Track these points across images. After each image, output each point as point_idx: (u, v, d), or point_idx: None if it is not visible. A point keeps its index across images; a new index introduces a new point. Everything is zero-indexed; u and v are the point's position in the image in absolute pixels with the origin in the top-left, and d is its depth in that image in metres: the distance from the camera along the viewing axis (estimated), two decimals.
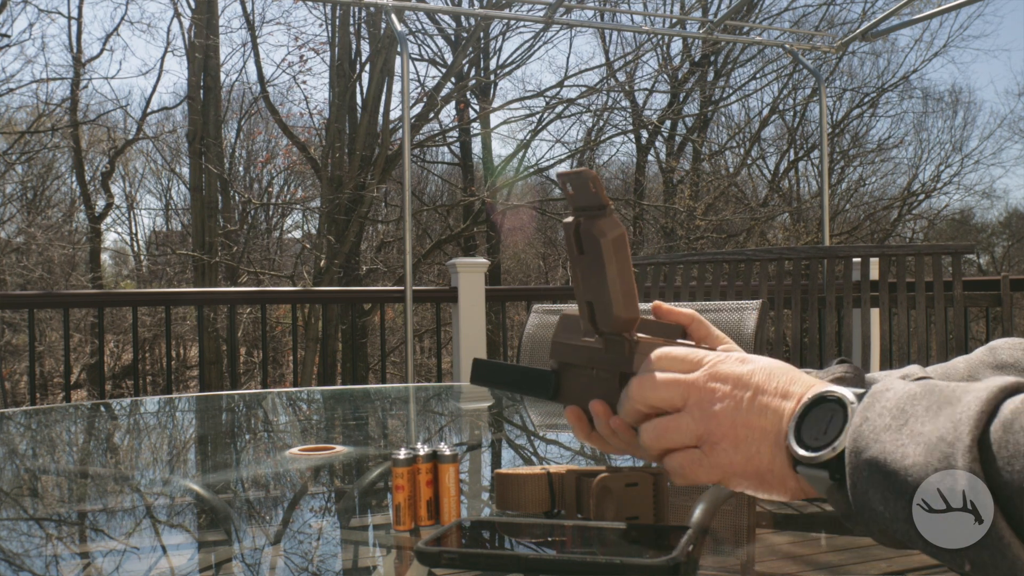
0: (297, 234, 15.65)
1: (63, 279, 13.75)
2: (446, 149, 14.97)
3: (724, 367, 0.66)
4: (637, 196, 14.46)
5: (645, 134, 15.06)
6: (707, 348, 0.73)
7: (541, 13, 5.80)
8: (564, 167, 15.07)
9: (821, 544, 0.80)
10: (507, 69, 13.85)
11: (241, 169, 15.08)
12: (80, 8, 13.11)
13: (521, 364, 0.87)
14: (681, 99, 14.77)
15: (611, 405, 0.76)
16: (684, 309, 0.83)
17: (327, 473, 1.14)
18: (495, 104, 13.53)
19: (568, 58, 29.86)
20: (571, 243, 0.76)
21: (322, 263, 11.26)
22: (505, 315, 6.71)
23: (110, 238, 21.02)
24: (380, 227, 14.18)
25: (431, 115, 12.38)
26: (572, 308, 2.35)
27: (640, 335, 0.76)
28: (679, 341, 0.78)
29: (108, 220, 15.41)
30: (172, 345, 13.80)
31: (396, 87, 11.65)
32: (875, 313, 4.45)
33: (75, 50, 13.09)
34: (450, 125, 13.62)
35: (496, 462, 1.24)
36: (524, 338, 2.29)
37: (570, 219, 0.75)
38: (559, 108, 13.49)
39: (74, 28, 13.07)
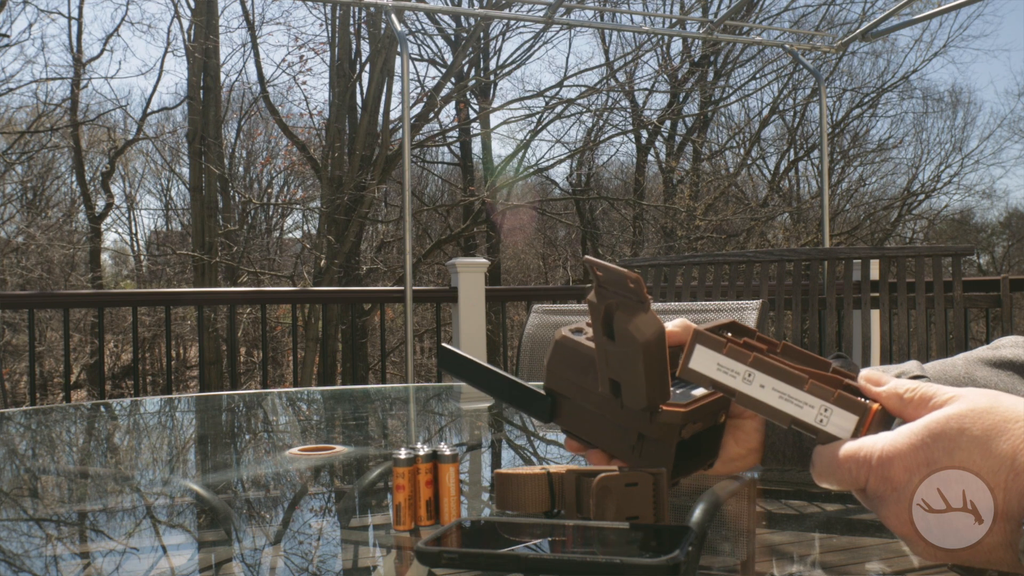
0: (297, 234, 15.67)
1: (63, 279, 13.75)
2: (446, 149, 14.99)
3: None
4: (637, 196, 14.46)
5: (645, 134, 15.06)
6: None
7: (541, 13, 5.80)
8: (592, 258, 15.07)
9: (821, 544, 0.80)
10: (507, 69, 13.86)
11: (241, 169, 15.09)
12: (80, 8, 13.13)
13: (514, 371, 0.83)
14: (681, 99, 14.77)
15: (619, 456, 0.75)
16: (678, 325, 0.79)
17: (327, 473, 1.14)
18: (495, 104, 13.54)
19: (568, 58, 29.84)
20: (599, 327, 0.71)
21: (322, 263, 11.26)
22: (505, 315, 6.71)
23: (110, 238, 21.04)
24: (380, 227, 14.18)
25: (431, 115, 12.39)
26: (568, 320, 2.34)
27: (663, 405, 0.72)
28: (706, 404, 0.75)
29: (108, 220, 15.44)
30: (172, 345, 13.80)
31: (396, 87, 11.67)
32: (875, 314, 4.45)
33: (75, 50, 13.11)
34: (450, 125, 13.63)
35: (496, 462, 1.24)
36: (524, 338, 2.29)
37: (594, 299, 0.70)
38: (559, 108, 13.50)
39: (74, 28, 13.09)
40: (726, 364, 0.64)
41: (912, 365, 0.84)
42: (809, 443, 0.80)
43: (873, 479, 0.57)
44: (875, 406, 0.61)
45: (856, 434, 0.60)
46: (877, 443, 0.57)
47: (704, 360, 0.65)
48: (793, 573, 0.72)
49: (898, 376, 0.80)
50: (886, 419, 0.61)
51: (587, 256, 0.75)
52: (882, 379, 0.62)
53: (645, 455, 0.75)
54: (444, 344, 0.84)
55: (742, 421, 0.81)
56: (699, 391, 0.76)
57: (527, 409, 0.80)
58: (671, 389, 0.74)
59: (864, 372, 0.64)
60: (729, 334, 0.69)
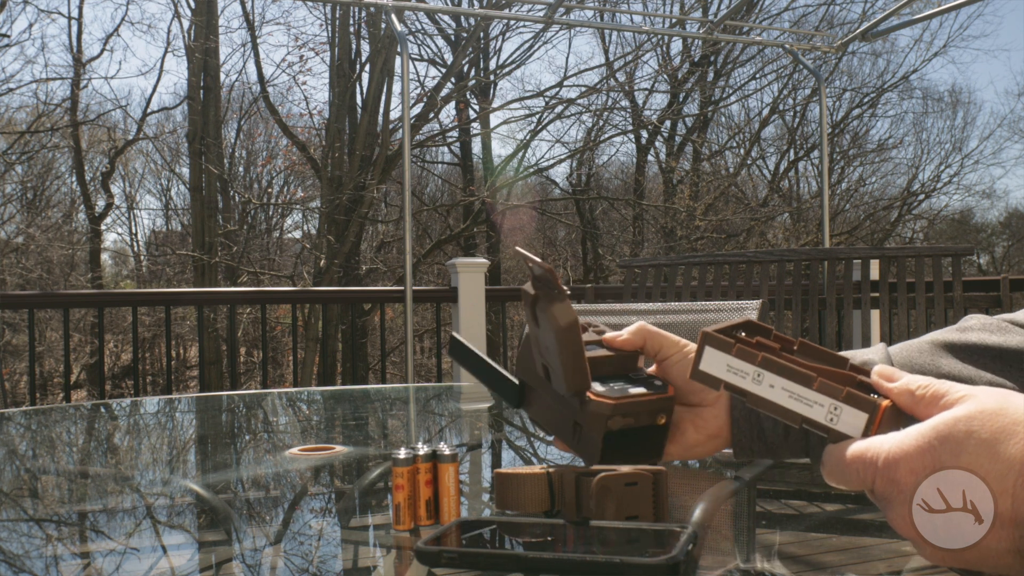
0: (297, 234, 15.67)
1: (63, 279, 13.75)
2: (446, 149, 14.99)
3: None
4: (637, 196, 14.46)
5: (645, 134, 15.06)
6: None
7: (541, 13, 5.80)
8: (523, 249, 15.09)
9: (821, 544, 0.80)
10: (507, 69, 13.86)
11: (241, 169, 15.09)
12: (80, 8, 13.14)
13: (512, 370, 0.92)
14: (681, 99, 14.77)
15: (567, 443, 0.81)
16: (632, 331, 0.84)
17: (327, 473, 1.14)
18: (495, 104, 13.54)
19: (568, 58, 29.87)
20: (529, 314, 0.79)
21: (322, 263, 11.26)
22: (505, 315, 6.71)
23: (110, 238, 21.04)
24: (380, 227, 14.18)
25: (431, 115, 12.38)
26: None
27: (591, 393, 0.79)
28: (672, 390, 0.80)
29: (108, 220, 15.43)
30: (172, 345, 13.80)
31: (396, 87, 11.67)
32: (875, 314, 4.45)
33: (75, 50, 13.11)
34: (450, 125, 13.63)
35: (496, 462, 1.24)
36: (524, 338, 2.29)
37: (530, 289, 0.77)
38: (559, 108, 13.50)
39: (74, 28, 13.09)
40: (735, 365, 0.64)
41: (879, 348, 0.84)
42: (773, 437, 0.82)
43: (879, 481, 0.56)
44: (885, 403, 0.60)
45: (867, 432, 0.60)
46: (884, 444, 0.57)
47: (714, 362, 0.65)
48: (793, 573, 0.72)
49: (863, 363, 0.81)
50: (898, 416, 0.61)
51: (517, 247, 0.81)
52: (895, 375, 0.62)
53: (579, 443, 0.80)
54: (454, 334, 0.92)
55: (701, 409, 0.84)
56: (637, 389, 0.80)
57: (501, 394, 0.87)
58: (612, 384, 0.80)
59: (877, 368, 0.63)
60: (743, 333, 0.69)
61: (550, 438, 0.88)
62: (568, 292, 0.75)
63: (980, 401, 0.55)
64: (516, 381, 0.86)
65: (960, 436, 0.54)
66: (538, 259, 0.75)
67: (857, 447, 0.58)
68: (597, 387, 0.79)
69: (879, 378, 0.62)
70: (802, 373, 0.62)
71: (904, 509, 0.55)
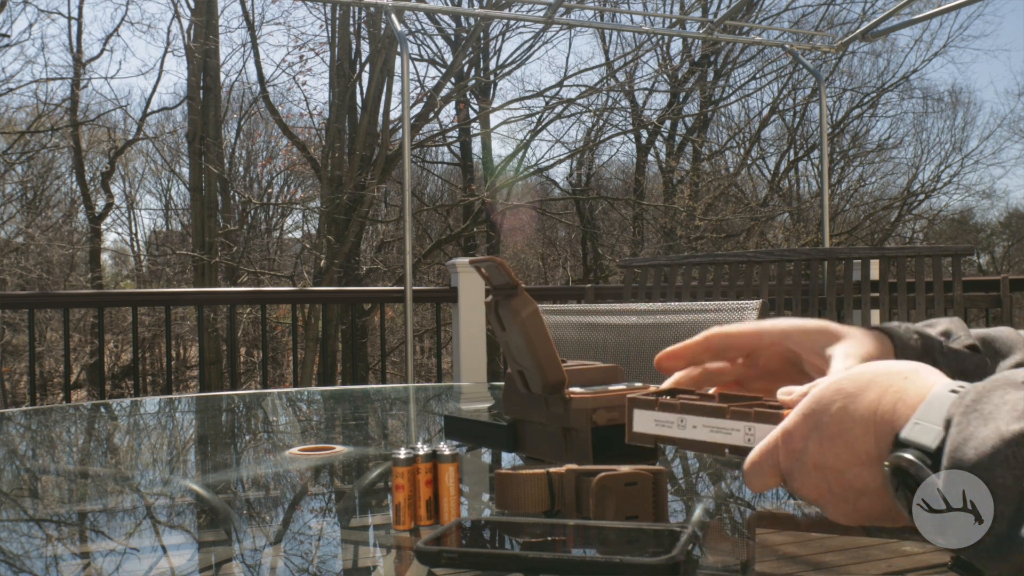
0: (297, 234, 15.67)
1: (63, 279, 13.75)
2: (446, 149, 14.98)
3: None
4: (637, 196, 14.45)
5: (645, 134, 15.06)
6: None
7: (541, 13, 5.80)
8: (479, 255, 15.10)
9: (821, 544, 0.80)
10: (507, 69, 13.86)
11: (241, 169, 15.09)
12: (80, 8, 13.12)
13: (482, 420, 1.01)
14: (681, 99, 14.77)
15: (559, 458, 0.85)
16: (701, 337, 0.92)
17: (327, 473, 1.14)
18: (495, 104, 13.54)
19: (568, 58, 29.77)
20: (494, 321, 0.84)
21: (322, 263, 11.26)
22: None
23: (110, 238, 21.01)
24: (380, 227, 14.18)
25: (431, 115, 12.38)
26: (568, 320, 2.35)
27: (572, 391, 0.84)
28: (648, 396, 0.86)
29: (108, 220, 15.43)
30: (172, 345, 13.79)
31: (396, 87, 11.66)
32: (875, 314, 4.45)
33: (75, 50, 13.10)
34: (450, 125, 13.63)
35: (496, 462, 1.24)
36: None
37: (489, 299, 0.83)
38: (559, 108, 13.49)
39: (74, 28, 13.08)
40: (661, 418, 0.71)
41: (955, 324, 0.88)
42: None
43: (783, 456, 0.62)
44: (787, 412, 0.66)
45: None
46: (778, 427, 0.63)
47: (644, 421, 0.72)
48: (793, 573, 0.72)
49: (943, 332, 0.85)
50: None
51: (470, 260, 0.87)
52: (794, 389, 0.68)
53: (571, 446, 0.85)
54: (447, 415, 1.02)
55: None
56: (617, 387, 0.87)
57: (499, 443, 0.93)
58: (591, 388, 0.86)
59: (781, 389, 0.70)
60: (667, 397, 0.76)
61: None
62: (523, 285, 0.80)
63: (850, 368, 0.64)
64: (504, 425, 0.92)
65: (830, 394, 0.61)
66: (485, 259, 0.80)
67: (759, 443, 0.65)
68: (577, 389, 0.85)
69: (782, 395, 0.69)
70: (715, 407, 0.69)
71: (803, 476, 0.61)
